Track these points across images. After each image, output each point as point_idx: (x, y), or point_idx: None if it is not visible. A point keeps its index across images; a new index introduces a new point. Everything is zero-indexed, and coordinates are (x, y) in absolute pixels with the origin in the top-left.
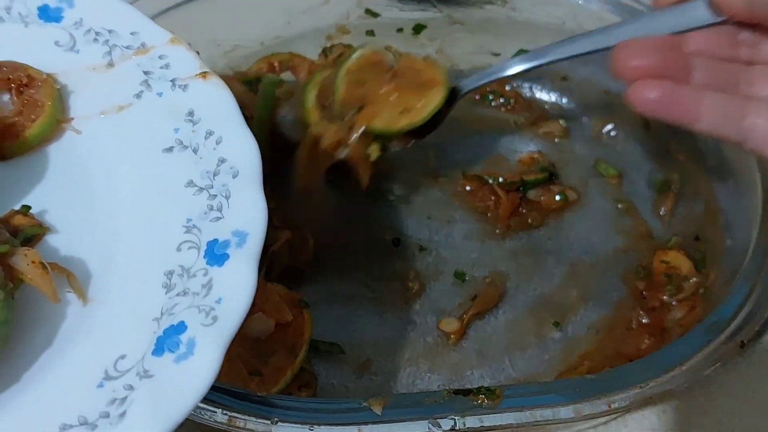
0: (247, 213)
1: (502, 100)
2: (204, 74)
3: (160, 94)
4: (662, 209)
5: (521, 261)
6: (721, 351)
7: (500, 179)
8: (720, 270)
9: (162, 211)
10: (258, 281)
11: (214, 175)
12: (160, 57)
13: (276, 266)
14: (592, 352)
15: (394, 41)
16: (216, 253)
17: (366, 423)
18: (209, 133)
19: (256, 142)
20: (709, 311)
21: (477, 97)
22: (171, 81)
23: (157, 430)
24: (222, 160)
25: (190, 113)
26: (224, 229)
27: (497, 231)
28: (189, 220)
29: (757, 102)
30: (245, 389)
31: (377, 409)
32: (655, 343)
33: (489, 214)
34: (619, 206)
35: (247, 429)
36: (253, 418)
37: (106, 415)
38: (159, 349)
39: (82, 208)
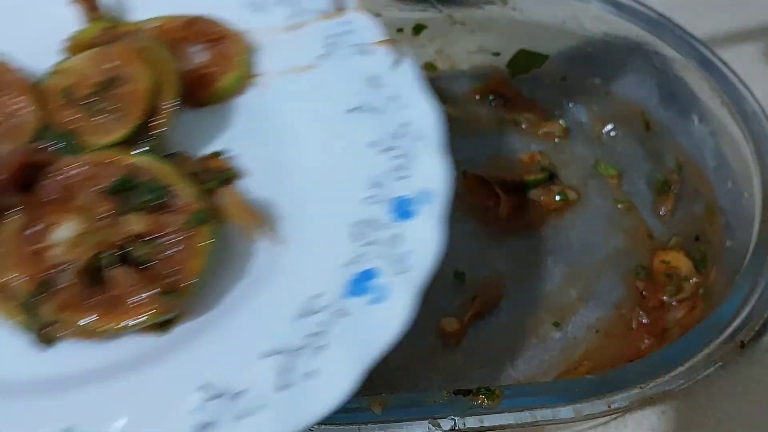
0: (432, 174)
1: (502, 100)
2: (387, 41)
3: (344, 58)
4: (662, 209)
5: (521, 261)
6: (722, 351)
7: (500, 179)
8: (720, 270)
9: (347, 167)
10: None
11: (399, 137)
12: (345, 22)
13: None
14: (592, 352)
15: None
16: (403, 209)
17: (366, 423)
18: (392, 98)
19: (439, 109)
20: (710, 311)
21: (477, 97)
22: (354, 45)
23: (356, 365)
24: (406, 124)
25: (373, 77)
26: (410, 188)
27: (497, 231)
28: (373, 178)
29: None
30: None
31: (377, 410)
32: (655, 343)
33: (489, 214)
34: (619, 206)
35: None
36: None
37: (306, 346)
38: (353, 291)
39: (270, 156)
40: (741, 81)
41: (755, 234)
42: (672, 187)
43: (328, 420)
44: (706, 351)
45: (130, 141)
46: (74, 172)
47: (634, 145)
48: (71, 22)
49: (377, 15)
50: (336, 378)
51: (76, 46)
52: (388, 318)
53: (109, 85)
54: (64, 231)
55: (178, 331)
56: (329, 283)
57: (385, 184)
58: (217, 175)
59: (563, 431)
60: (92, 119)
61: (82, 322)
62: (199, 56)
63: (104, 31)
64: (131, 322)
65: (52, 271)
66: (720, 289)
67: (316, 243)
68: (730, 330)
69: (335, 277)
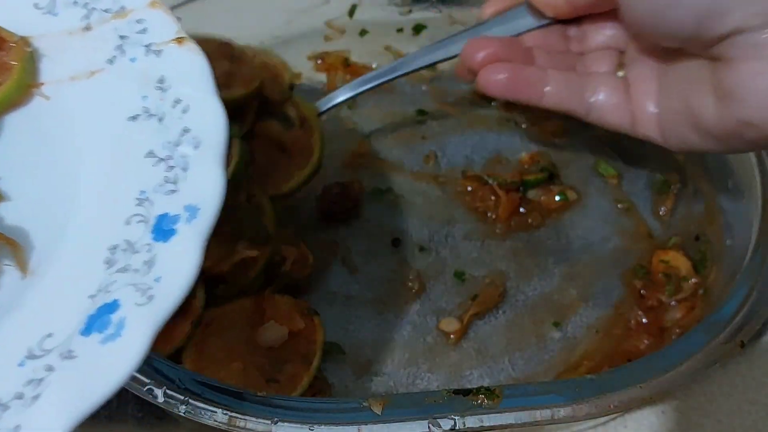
0: (203, 187)
1: (502, 100)
2: (180, 39)
3: (133, 60)
4: (662, 209)
5: (521, 261)
6: (721, 351)
7: (500, 179)
8: (720, 270)
9: (119, 183)
10: (264, 294)
11: (176, 145)
12: (138, 21)
13: (277, 282)
14: (592, 352)
15: (394, 41)
16: (164, 228)
17: (366, 423)
18: (177, 102)
19: (224, 113)
20: (709, 311)
21: (477, 98)
22: (146, 46)
23: (66, 417)
24: (186, 130)
25: (161, 80)
26: (176, 203)
27: (497, 231)
28: (143, 193)
29: (596, 76)
30: (244, 389)
31: (377, 409)
32: (654, 343)
33: (489, 214)
34: (619, 206)
35: (247, 429)
36: (254, 418)
37: (20, 396)
38: (88, 328)
39: (40, 177)
40: None
41: (755, 234)
42: (672, 187)
43: (329, 420)
44: (706, 351)
45: None
46: None
47: (634, 145)
48: None
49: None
50: None
51: None
52: (116, 358)
53: None
54: None
55: None
56: (68, 319)
57: (153, 199)
58: None
59: (563, 431)
60: None
61: None
62: None
63: None
64: None
65: None
66: (720, 288)
67: (67, 273)
68: (730, 330)
69: (77, 311)
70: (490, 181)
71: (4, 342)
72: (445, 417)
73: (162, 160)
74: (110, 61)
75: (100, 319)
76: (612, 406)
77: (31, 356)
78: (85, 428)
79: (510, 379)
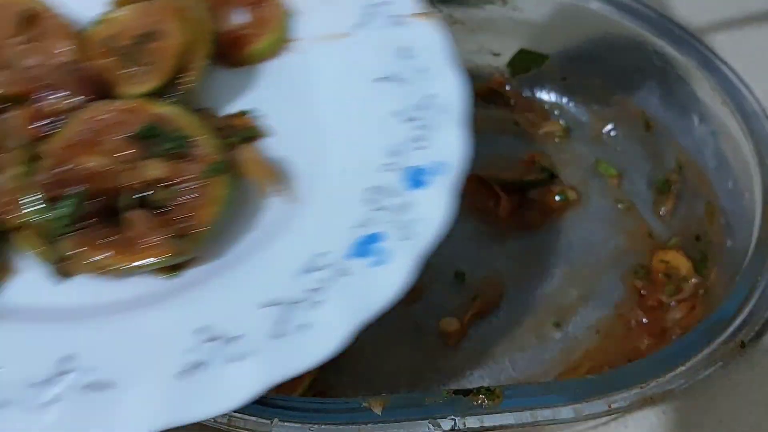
0: (450, 146)
1: (502, 100)
2: (423, 14)
3: (378, 27)
4: (662, 209)
5: (521, 261)
6: (722, 351)
7: (500, 179)
8: (720, 270)
9: (367, 134)
10: None
11: (422, 108)
12: None
13: None
14: (592, 352)
15: None
16: (416, 179)
17: (366, 423)
18: (421, 70)
19: (465, 84)
20: (710, 311)
21: (477, 97)
22: (391, 16)
23: (348, 323)
24: (431, 96)
25: (405, 49)
26: (426, 158)
27: (497, 231)
28: (392, 146)
29: None
30: None
31: (377, 409)
32: (655, 343)
33: (489, 214)
34: (619, 206)
35: (247, 429)
36: (253, 418)
37: (304, 300)
38: (356, 252)
39: (295, 118)
40: (741, 81)
41: (756, 234)
42: (672, 187)
43: (329, 420)
44: (707, 351)
45: (160, 93)
46: (103, 117)
47: (635, 145)
48: None
49: None
50: (327, 333)
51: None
52: (386, 281)
53: (145, 39)
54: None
55: (186, 275)
56: (335, 242)
57: (402, 153)
58: (240, 132)
59: (563, 431)
60: (126, 70)
61: (96, 258)
62: (239, 18)
63: None
64: (143, 263)
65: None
66: (720, 289)
67: (328, 204)
68: (730, 330)
69: (342, 237)
70: (490, 182)
71: (282, 255)
72: (445, 417)
73: (409, 119)
74: (358, 26)
75: (367, 246)
76: (612, 407)
77: (308, 269)
78: None
79: (510, 380)
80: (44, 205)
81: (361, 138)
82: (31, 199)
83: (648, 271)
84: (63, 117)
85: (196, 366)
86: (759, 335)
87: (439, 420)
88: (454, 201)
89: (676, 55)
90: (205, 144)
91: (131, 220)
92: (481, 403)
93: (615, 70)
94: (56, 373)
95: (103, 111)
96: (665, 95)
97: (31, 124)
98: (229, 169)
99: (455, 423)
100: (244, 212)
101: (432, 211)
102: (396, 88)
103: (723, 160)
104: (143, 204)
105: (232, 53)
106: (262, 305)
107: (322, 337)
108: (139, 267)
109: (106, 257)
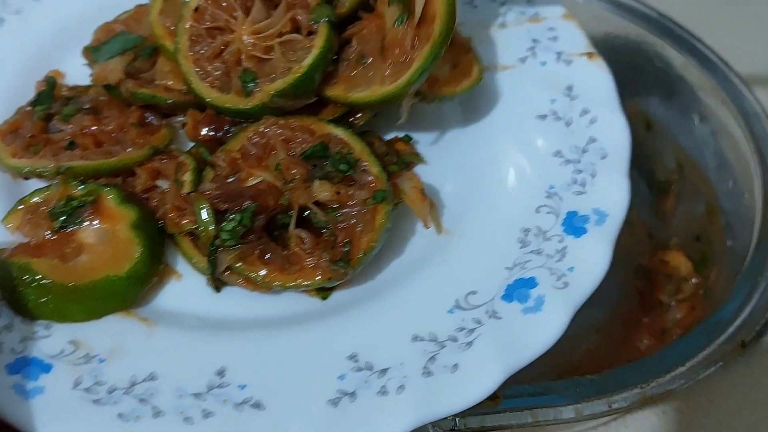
0: (611, 194)
1: None
2: (590, 54)
3: (543, 63)
4: (662, 209)
5: None
6: (722, 351)
7: None
8: (721, 270)
9: (527, 173)
10: None
11: (583, 151)
12: (550, 28)
13: None
14: (593, 352)
15: None
16: (575, 225)
17: None
18: (585, 111)
19: (629, 130)
20: (710, 311)
21: None
22: (556, 53)
23: (500, 369)
24: (593, 140)
25: (569, 88)
26: (585, 204)
27: None
28: (552, 188)
29: None
30: None
31: None
32: (655, 343)
33: None
34: None
35: None
36: None
37: (455, 339)
38: (509, 296)
39: (450, 148)
40: (742, 81)
41: (756, 234)
42: (672, 187)
43: None
44: (707, 351)
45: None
46: (276, 131)
47: (635, 145)
48: None
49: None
50: (479, 376)
51: None
52: (539, 329)
53: None
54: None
55: (339, 297)
56: (488, 282)
57: (562, 196)
58: (402, 158)
59: (563, 431)
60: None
61: (257, 275)
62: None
63: None
64: (302, 282)
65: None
66: (721, 289)
67: (484, 241)
68: (731, 330)
69: (495, 278)
70: None
71: (432, 289)
72: (445, 417)
73: (570, 161)
74: (522, 60)
75: (519, 290)
76: (612, 407)
77: (459, 307)
78: None
79: (510, 379)
80: (211, 217)
81: (520, 175)
82: (200, 208)
83: (648, 272)
84: (231, 126)
85: (349, 395)
86: (759, 335)
87: (439, 420)
88: (611, 251)
89: (676, 55)
90: (371, 169)
91: (292, 238)
92: (482, 403)
93: (615, 69)
94: (209, 387)
95: (274, 125)
96: (665, 95)
97: (201, 129)
98: (391, 197)
99: (455, 423)
100: (398, 240)
101: (589, 260)
102: (558, 127)
103: (723, 160)
104: (304, 224)
105: (427, 93)
106: (413, 339)
107: (472, 380)
108: (297, 286)
109: (266, 274)
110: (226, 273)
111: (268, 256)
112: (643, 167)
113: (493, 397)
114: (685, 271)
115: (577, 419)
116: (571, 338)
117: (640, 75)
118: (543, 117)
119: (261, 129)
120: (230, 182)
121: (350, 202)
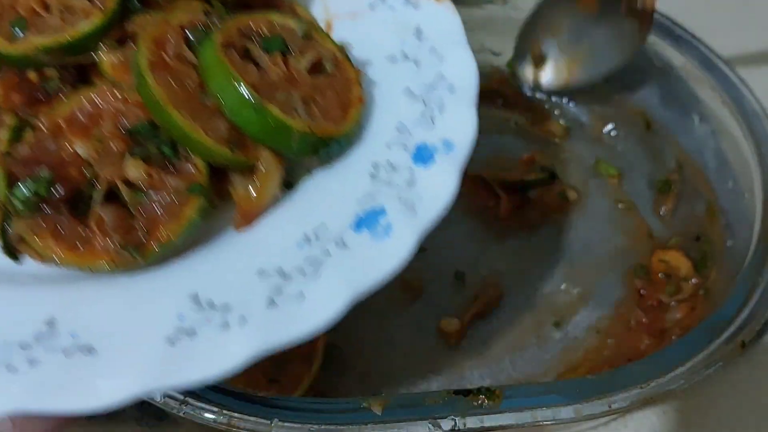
0: (458, 125)
1: (502, 100)
2: None
3: (392, 8)
4: (662, 209)
5: (521, 261)
6: (722, 351)
7: (500, 179)
8: (721, 270)
9: (378, 112)
10: None
11: (432, 88)
12: None
13: None
14: (592, 352)
15: None
16: (423, 156)
17: (366, 423)
18: (432, 50)
19: (475, 64)
20: (710, 311)
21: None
22: None
23: (344, 295)
24: (441, 76)
25: (418, 30)
26: (434, 136)
27: (497, 231)
28: (401, 123)
29: None
30: (244, 390)
31: (377, 410)
32: (655, 344)
33: (489, 214)
34: (619, 206)
35: (247, 429)
36: (253, 419)
37: (302, 272)
38: (358, 225)
39: None
40: (742, 81)
41: (756, 234)
42: (672, 187)
43: (329, 420)
44: (707, 351)
45: None
46: (109, 102)
47: (635, 145)
48: None
49: None
50: (323, 304)
51: None
52: (386, 255)
53: None
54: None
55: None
56: (338, 215)
57: (411, 130)
58: None
59: (563, 431)
60: None
61: (44, 249)
62: None
63: None
64: (87, 265)
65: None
66: (721, 289)
67: (334, 176)
68: (730, 330)
69: (345, 211)
70: (490, 181)
71: (282, 225)
72: (445, 417)
73: (419, 98)
74: (371, 7)
75: (369, 219)
76: (612, 407)
77: (308, 240)
78: (84, 428)
79: (510, 380)
80: (2, 182)
81: (371, 114)
82: None
83: (648, 271)
84: (63, 88)
85: (188, 333)
86: (759, 335)
87: (439, 420)
88: (459, 179)
89: (676, 54)
90: (195, 160)
91: (96, 216)
92: (482, 403)
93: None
94: (37, 338)
95: (109, 96)
96: (665, 95)
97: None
98: (207, 194)
99: (455, 423)
100: None
101: (436, 188)
102: (408, 67)
103: (723, 160)
104: (110, 200)
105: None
106: (258, 273)
107: (316, 308)
108: (80, 267)
109: (51, 249)
110: (20, 241)
111: (62, 231)
112: (643, 167)
113: (494, 397)
114: (685, 271)
115: (577, 419)
116: (571, 338)
117: (640, 75)
118: (393, 58)
119: (93, 96)
120: (46, 148)
121: (161, 188)
